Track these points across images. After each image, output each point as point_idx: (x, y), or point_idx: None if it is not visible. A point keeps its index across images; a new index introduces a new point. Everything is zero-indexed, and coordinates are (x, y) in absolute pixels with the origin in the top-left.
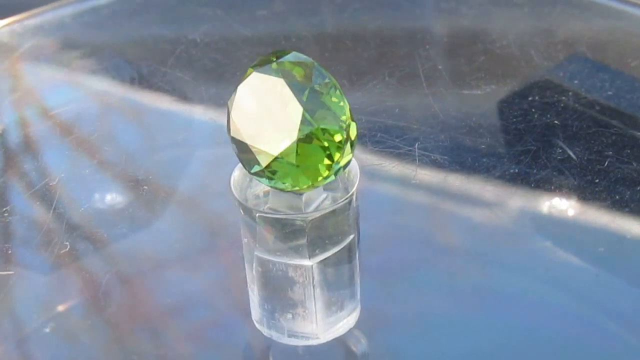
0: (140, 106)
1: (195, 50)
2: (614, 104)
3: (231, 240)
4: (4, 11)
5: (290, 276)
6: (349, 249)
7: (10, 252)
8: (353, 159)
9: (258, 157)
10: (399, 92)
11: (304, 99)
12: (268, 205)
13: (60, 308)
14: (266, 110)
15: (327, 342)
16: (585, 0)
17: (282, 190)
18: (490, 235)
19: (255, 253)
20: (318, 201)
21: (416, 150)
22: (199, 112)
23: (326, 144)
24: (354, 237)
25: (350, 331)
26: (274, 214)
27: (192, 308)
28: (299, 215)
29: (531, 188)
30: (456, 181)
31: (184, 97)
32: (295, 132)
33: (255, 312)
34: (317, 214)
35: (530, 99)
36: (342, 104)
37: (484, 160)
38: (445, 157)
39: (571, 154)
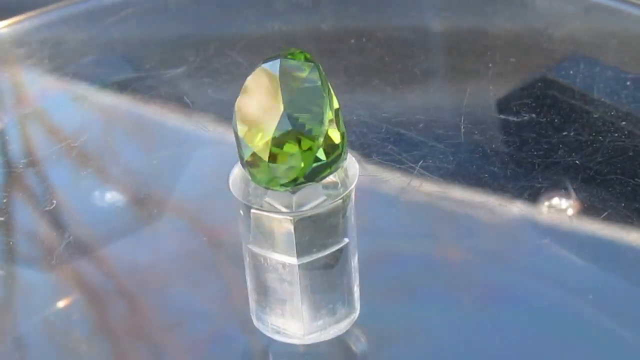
0: (141, 115)
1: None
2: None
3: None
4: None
5: (279, 273)
6: (342, 254)
7: (10, 264)
8: (352, 163)
9: (243, 151)
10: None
11: (289, 99)
12: (265, 199)
13: (60, 322)
14: (258, 105)
15: (326, 343)
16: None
17: (264, 187)
18: (492, 248)
19: (248, 245)
20: (315, 202)
21: (417, 167)
22: (203, 121)
23: (299, 146)
24: (348, 243)
25: (350, 332)
26: (263, 210)
27: (192, 321)
28: (287, 214)
29: (533, 198)
30: (459, 192)
31: (187, 106)
32: (271, 131)
33: (251, 303)
34: (305, 214)
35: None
36: (327, 107)
37: (489, 169)
38: (449, 167)
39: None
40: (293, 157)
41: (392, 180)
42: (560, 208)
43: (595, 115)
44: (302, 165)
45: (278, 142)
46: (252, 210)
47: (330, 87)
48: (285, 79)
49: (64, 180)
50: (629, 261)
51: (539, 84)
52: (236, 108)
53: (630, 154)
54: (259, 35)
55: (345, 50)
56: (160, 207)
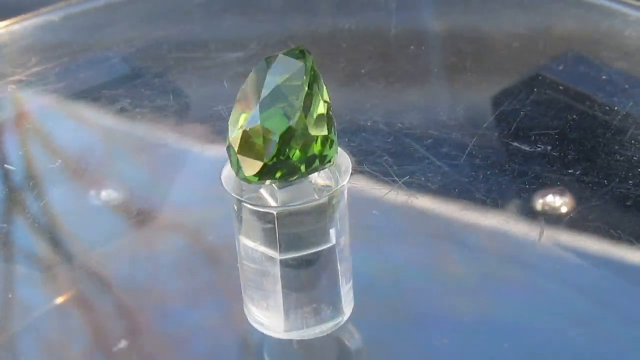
0: (140, 135)
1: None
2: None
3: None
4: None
5: (264, 266)
6: (327, 256)
7: (11, 286)
8: (344, 166)
9: (229, 140)
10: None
11: (267, 95)
12: (259, 192)
13: (61, 342)
14: (245, 99)
15: (323, 338)
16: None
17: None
18: (493, 264)
19: (238, 237)
20: (304, 200)
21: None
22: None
23: (263, 141)
24: (333, 246)
25: (344, 328)
26: (249, 202)
27: (192, 340)
28: (269, 208)
29: (535, 207)
30: (455, 206)
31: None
32: (244, 124)
33: (243, 294)
34: (288, 210)
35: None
36: (301, 106)
37: (473, 195)
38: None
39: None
40: (257, 151)
41: (367, 190)
42: (555, 226)
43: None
44: (265, 159)
45: (247, 135)
46: (242, 203)
47: (319, 86)
48: (273, 76)
49: (60, 194)
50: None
51: (570, 115)
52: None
53: None
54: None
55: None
56: (158, 222)
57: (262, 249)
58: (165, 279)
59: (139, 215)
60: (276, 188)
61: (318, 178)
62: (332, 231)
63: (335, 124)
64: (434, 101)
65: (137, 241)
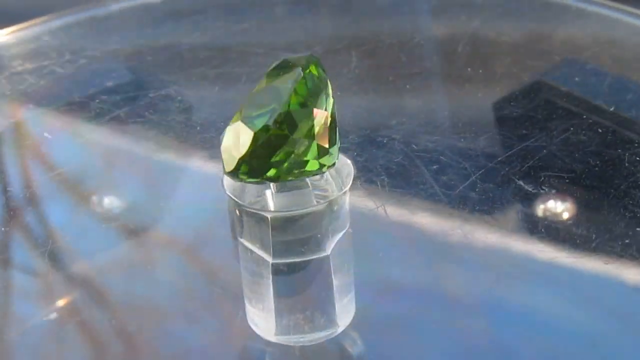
0: (140, 151)
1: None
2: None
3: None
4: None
5: (259, 267)
6: (322, 265)
7: (9, 301)
8: (344, 177)
9: None
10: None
11: (256, 95)
12: (263, 196)
13: (55, 357)
14: (245, 99)
15: (324, 343)
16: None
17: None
18: (491, 281)
19: (238, 238)
20: (301, 206)
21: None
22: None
23: (237, 139)
24: (328, 257)
25: (345, 333)
26: (244, 205)
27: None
28: (263, 212)
29: (535, 217)
30: (455, 221)
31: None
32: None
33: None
34: (282, 215)
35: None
36: (284, 108)
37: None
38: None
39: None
40: (235, 148)
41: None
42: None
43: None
44: (240, 155)
45: (229, 132)
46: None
47: (318, 94)
48: (271, 78)
49: (59, 212)
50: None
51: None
52: None
53: None
54: None
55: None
56: (157, 241)
57: (258, 251)
58: (163, 294)
59: (135, 229)
60: (273, 192)
61: (320, 185)
62: (327, 241)
63: (335, 133)
64: (461, 127)
65: (134, 256)
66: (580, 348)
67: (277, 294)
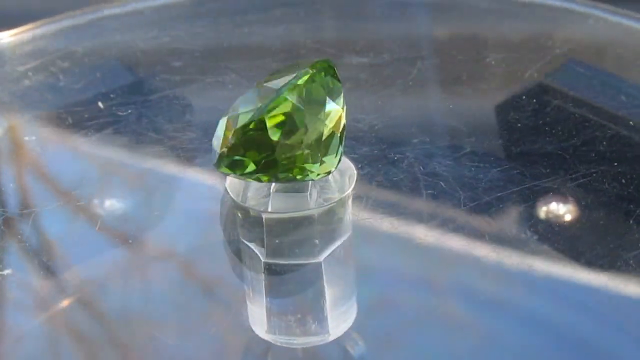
0: (138, 163)
1: None
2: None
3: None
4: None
5: (254, 265)
6: (314, 271)
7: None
8: (343, 183)
9: None
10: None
11: (248, 94)
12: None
13: None
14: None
15: (328, 345)
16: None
17: None
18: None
19: (240, 236)
20: (296, 209)
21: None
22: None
23: (224, 134)
24: (320, 264)
25: (347, 334)
26: (242, 204)
27: None
28: (258, 211)
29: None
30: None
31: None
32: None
33: None
34: (275, 216)
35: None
36: (264, 108)
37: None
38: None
39: None
40: (219, 141)
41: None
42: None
43: None
44: (220, 150)
45: (222, 124)
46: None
47: (320, 102)
48: (272, 76)
49: (55, 223)
50: None
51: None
52: None
53: None
54: None
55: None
56: (152, 252)
57: (254, 249)
58: (158, 308)
59: (131, 241)
60: (271, 192)
61: (324, 187)
62: (320, 248)
63: (338, 143)
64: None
65: (129, 269)
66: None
67: (269, 293)
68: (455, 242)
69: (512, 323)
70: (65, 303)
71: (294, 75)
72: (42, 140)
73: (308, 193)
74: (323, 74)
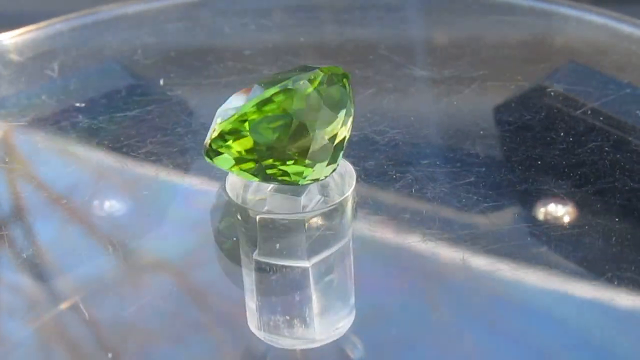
0: (132, 169)
1: None
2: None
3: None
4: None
5: (247, 260)
6: (302, 275)
7: None
8: (331, 190)
9: None
10: None
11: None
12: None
13: None
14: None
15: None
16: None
17: None
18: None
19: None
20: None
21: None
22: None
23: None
24: (307, 269)
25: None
26: (239, 202)
27: None
28: (251, 208)
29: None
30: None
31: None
32: None
33: None
34: (265, 214)
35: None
36: (244, 113)
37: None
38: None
39: None
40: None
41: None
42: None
43: None
44: (206, 141)
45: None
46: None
47: (315, 107)
48: (277, 76)
49: (46, 229)
50: None
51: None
52: None
53: None
54: None
55: None
56: (144, 260)
57: (247, 246)
58: (151, 317)
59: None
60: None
61: (322, 192)
62: (309, 252)
63: (335, 154)
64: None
65: (123, 277)
66: None
67: (259, 291)
68: (450, 253)
69: (505, 336)
70: (56, 310)
71: (298, 75)
72: (35, 144)
73: (302, 196)
74: (329, 80)
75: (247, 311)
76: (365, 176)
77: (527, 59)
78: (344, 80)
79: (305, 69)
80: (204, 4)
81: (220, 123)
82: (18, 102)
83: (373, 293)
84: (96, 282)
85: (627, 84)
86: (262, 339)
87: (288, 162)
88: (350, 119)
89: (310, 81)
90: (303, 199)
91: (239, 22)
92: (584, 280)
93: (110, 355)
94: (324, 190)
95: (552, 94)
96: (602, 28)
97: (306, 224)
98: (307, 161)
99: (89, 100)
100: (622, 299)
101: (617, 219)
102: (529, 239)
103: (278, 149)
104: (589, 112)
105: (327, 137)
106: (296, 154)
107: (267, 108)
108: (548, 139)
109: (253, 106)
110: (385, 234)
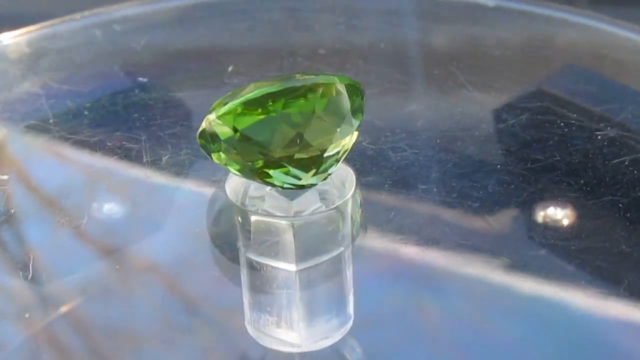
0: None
1: None
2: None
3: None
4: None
5: (240, 256)
6: (288, 281)
7: None
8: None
9: None
10: None
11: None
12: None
13: None
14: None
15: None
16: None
17: None
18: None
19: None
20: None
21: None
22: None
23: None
24: (294, 274)
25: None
26: (239, 203)
27: None
28: (241, 205)
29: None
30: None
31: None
32: None
33: None
34: (259, 217)
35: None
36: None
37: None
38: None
39: None
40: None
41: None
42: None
43: None
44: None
45: None
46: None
47: (307, 118)
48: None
49: (38, 233)
50: None
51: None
52: None
53: None
54: None
55: None
56: (136, 265)
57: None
58: (143, 321)
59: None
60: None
61: (317, 200)
62: (297, 257)
63: (313, 161)
64: None
65: (114, 282)
66: None
67: (248, 287)
68: (445, 261)
69: (501, 343)
70: (47, 314)
71: (299, 79)
72: (29, 146)
73: (295, 201)
74: (324, 96)
75: (245, 308)
76: (364, 183)
77: (526, 63)
78: (355, 92)
79: (313, 75)
80: None
81: (214, 110)
82: (15, 103)
83: (368, 303)
84: (90, 287)
85: (625, 87)
86: (250, 333)
87: (272, 166)
88: (353, 133)
89: (309, 88)
90: (296, 203)
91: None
92: (582, 287)
93: None
94: (324, 196)
95: (551, 97)
96: (600, 32)
97: (294, 229)
98: (290, 168)
99: (86, 101)
100: (623, 305)
101: (617, 225)
102: (527, 245)
103: (260, 150)
104: (588, 116)
105: (316, 147)
106: (283, 159)
107: (254, 106)
108: (547, 143)
109: (241, 103)
110: (383, 242)
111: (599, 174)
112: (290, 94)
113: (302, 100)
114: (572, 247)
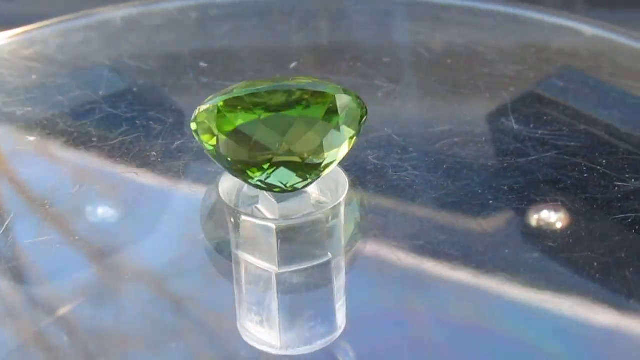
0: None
1: None
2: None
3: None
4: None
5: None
6: (269, 283)
7: None
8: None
9: None
10: None
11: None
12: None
13: None
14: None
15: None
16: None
17: None
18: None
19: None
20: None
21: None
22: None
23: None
24: (277, 276)
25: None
26: (232, 204)
27: None
28: (232, 206)
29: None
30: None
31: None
32: None
33: None
34: (246, 217)
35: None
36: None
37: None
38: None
39: None
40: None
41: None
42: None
43: None
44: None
45: None
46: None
47: (303, 130)
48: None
49: (27, 234)
50: None
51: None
52: None
53: None
54: None
55: None
56: (125, 268)
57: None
58: (132, 324)
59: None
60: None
61: (309, 204)
62: (279, 260)
63: (318, 172)
64: None
65: (104, 284)
66: None
67: (236, 286)
68: (435, 267)
69: (491, 348)
70: (37, 316)
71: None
72: (24, 147)
73: (282, 203)
74: (317, 105)
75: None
76: (357, 188)
77: (522, 66)
78: (352, 103)
79: (310, 81)
80: None
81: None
82: (11, 104)
83: (359, 308)
84: (80, 289)
85: (621, 90)
86: (239, 329)
87: (252, 168)
88: (345, 143)
89: (299, 93)
90: (285, 206)
91: None
92: (575, 292)
93: None
94: (317, 201)
95: (546, 101)
96: (596, 38)
97: (277, 231)
98: (268, 172)
99: (86, 101)
100: (616, 312)
101: (611, 228)
102: (519, 250)
103: (241, 150)
104: (584, 119)
105: (297, 153)
106: (261, 162)
107: (237, 105)
108: (545, 145)
109: (223, 101)
110: (373, 248)
111: (595, 177)
112: (277, 97)
113: (289, 105)
114: (565, 252)
